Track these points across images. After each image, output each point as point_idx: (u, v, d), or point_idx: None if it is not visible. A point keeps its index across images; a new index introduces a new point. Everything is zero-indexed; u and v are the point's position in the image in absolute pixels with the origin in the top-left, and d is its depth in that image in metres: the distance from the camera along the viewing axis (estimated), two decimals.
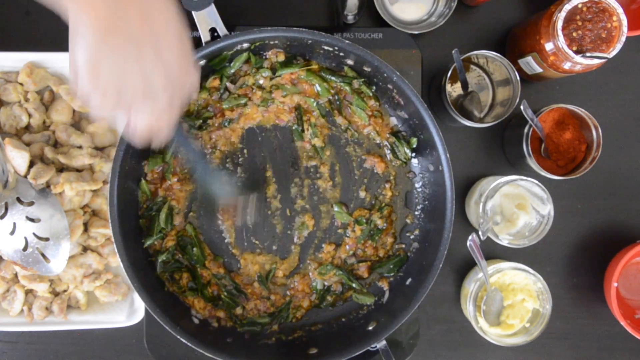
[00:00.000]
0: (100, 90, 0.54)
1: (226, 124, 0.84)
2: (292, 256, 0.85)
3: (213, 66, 0.80)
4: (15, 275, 0.85)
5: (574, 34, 0.78)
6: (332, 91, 0.84)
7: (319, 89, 0.83)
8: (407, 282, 0.82)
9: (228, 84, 0.83)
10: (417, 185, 0.86)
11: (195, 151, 0.79)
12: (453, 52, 0.81)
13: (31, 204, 0.81)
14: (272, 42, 0.79)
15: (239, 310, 0.84)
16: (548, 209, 0.84)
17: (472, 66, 0.91)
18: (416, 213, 0.86)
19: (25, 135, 0.84)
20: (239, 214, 0.83)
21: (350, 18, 0.86)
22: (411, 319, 0.83)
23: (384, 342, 0.77)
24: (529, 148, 0.84)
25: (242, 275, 0.84)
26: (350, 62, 0.80)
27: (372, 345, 0.77)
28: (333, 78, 0.83)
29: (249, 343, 0.81)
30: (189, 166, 0.83)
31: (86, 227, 0.86)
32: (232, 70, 0.82)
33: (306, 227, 0.85)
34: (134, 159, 0.79)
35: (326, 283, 0.85)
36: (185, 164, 0.83)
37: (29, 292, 0.87)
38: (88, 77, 0.53)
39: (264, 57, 0.82)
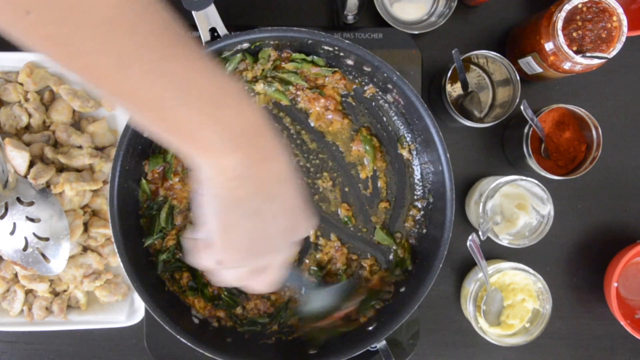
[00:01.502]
0: (233, 251, 0.53)
1: None
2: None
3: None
4: (15, 275, 0.85)
5: (574, 34, 0.78)
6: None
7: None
8: (407, 282, 0.82)
9: None
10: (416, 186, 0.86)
11: None
12: (453, 52, 0.81)
13: (31, 204, 0.81)
14: (278, 42, 0.79)
15: (239, 310, 0.84)
16: (548, 209, 0.84)
17: (472, 66, 0.92)
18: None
19: (25, 135, 0.84)
20: None
21: (350, 18, 0.86)
22: (411, 319, 0.83)
23: (384, 342, 0.77)
24: (529, 148, 0.84)
25: None
26: (350, 62, 0.80)
27: (372, 345, 0.77)
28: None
29: (249, 343, 0.81)
30: None
31: (86, 227, 0.86)
32: (230, 68, 0.81)
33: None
34: (134, 159, 0.79)
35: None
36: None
37: (29, 292, 0.87)
38: (223, 236, 0.52)
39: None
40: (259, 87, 0.82)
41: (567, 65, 0.79)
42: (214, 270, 0.55)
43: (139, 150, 0.80)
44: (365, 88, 0.84)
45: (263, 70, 0.82)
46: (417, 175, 0.85)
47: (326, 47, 0.78)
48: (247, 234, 0.52)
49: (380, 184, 0.85)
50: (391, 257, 0.85)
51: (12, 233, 0.81)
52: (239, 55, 0.80)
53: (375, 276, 0.84)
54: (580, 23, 0.77)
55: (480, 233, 0.82)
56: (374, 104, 0.85)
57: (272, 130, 0.52)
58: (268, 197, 0.52)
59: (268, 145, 0.51)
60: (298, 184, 0.56)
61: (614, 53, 0.76)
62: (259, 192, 0.51)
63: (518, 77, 0.84)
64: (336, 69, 0.82)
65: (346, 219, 0.85)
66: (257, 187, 0.50)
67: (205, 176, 0.50)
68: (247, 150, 0.49)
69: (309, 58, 0.80)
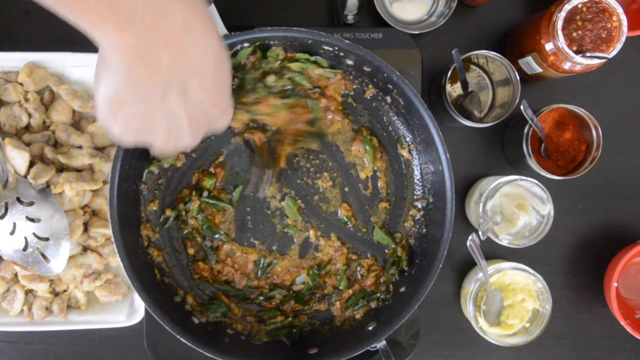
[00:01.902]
0: (119, 126, 0.50)
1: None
2: (291, 253, 0.85)
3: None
4: (15, 275, 0.85)
5: (574, 34, 0.78)
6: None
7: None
8: (407, 282, 0.82)
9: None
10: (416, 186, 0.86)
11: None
12: (453, 52, 0.81)
13: (31, 204, 0.81)
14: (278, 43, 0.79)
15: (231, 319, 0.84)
16: (548, 209, 0.85)
17: (472, 66, 0.92)
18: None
19: (25, 135, 0.84)
20: (253, 185, 0.82)
21: (350, 18, 0.86)
22: (411, 319, 0.83)
23: (384, 342, 0.77)
24: (529, 148, 0.84)
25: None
26: (350, 62, 0.80)
27: (372, 345, 0.77)
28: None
29: (249, 343, 0.81)
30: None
31: (86, 227, 0.86)
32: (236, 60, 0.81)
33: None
34: (134, 159, 0.79)
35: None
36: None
37: (29, 292, 0.87)
38: (108, 112, 0.49)
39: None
40: (271, 79, 0.81)
41: (567, 65, 0.79)
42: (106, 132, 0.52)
43: (139, 151, 0.80)
44: (366, 88, 0.83)
45: (271, 68, 0.81)
46: (417, 175, 0.85)
47: (326, 47, 0.78)
48: (135, 116, 0.49)
49: (380, 184, 0.85)
50: (386, 251, 0.85)
51: (12, 233, 0.81)
52: (249, 49, 0.79)
53: (371, 274, 0.84)
54: (580, 23, 0.77)
55: (480, 233, 0.82)
56: (374, 104, 0.85)
57: (200, 18, 0.47)
58: (174, 89, 0.48)
59: (180, 30, 0.46)
60: (225, 78, 0.52)
61: (614, 53, 0.76)
62: (165, 84, 0.47)
63: (518, 77, 0.84)
64: (339, 70, 0.82)
65: (346, 219, 0.85)
66: (162, 77, 0.47)
67: (104, 51, 0.46)
68: (142, 31, 0.44)
69: (312, 58, 0.80)
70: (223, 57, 0.52)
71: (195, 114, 0.51)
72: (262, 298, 0.84)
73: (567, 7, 0.75)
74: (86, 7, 0.42)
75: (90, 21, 0.43)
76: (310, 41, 0.77)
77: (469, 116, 0.88)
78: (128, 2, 0.42)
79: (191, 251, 0.84)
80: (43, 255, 0.81)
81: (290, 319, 0.83)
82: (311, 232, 0.85)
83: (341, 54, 0.79)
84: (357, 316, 0.83)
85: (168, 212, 0.82)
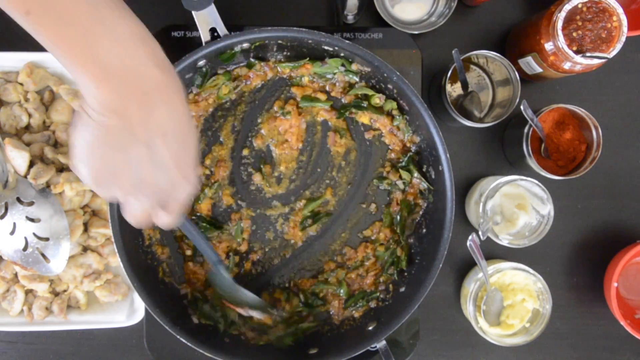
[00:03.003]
0: (89, 170, 0.53)
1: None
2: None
3: (223, 62, 0.80)
4: (15, 275, 0.85)
5: (574, 34, 0.78)
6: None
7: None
8: (407, 282, 0.82)
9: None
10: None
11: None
12: (453, 52, 0.81)
13: (31, 204, 0.81)
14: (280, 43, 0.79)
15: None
16: (548, 209, 0.84)
17: (472, 66, 0.92)
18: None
19: (25, 135, 0.84)
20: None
21: (350, 18, 0.86)
22: (411, 319, 0.83)
23: (384, 342, 0.77)
24: (529, 148, 0.84)
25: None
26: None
27: (372, 345, 0.77)
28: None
29: (249, 343, 0.81)
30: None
31: (86, 227, 0.86)
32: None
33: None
34: None
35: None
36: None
37: (29, 292, 0.87)
38: (81, 155, 0.52)
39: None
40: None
41: (567, 65, 0.79)
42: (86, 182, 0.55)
43: None
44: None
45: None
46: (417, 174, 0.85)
47: (326, 47, 0.78)
48: (106, 163, 0.52)
49: None
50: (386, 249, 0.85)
51: (12, 233, 0.81)
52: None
53: (370, 274, 0.84)
54: (580, 23, 0.77)
55: (480, 233, 0.82)
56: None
57: (169, 81, 0.52)
58: (142, 142, 0.51)
59: (151, 90, 0.51)
60: (191, 141, 0.55)
61: (614, 53, 0.76)
62: (131, 134, 0.50)
63: (518, 77, 0.84)
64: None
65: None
66: (130, 129, 0.50)
67: (83, 93, 0.50)
68: (118, 87, 0.49)
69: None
70: (190, 124, 0.55)
71: (158, 171, 0.53)
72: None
73: (567, 7, 0.75)
74: (74, 56, 0.48)
75: (75, 67, 0.49)
76: (310, 41, 0.77)
77: (469, 116, 0.88)
78: (112, 62, 0.49)
79: (188, 252, 0.84)
80: (43, 255, 0.81)
81: (292, 328, 0.83)
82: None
83: (341, 53, 0.79)
84: (356, 315, 0.83)
85: None
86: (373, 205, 0.85)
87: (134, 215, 0.57)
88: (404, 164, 0.83)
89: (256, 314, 0.80)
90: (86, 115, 0.51)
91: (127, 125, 0.50)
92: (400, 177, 0.84)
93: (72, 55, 0.48)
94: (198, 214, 0.83)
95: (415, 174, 0.82)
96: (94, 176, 0.53)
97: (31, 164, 0.82)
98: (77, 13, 0.48)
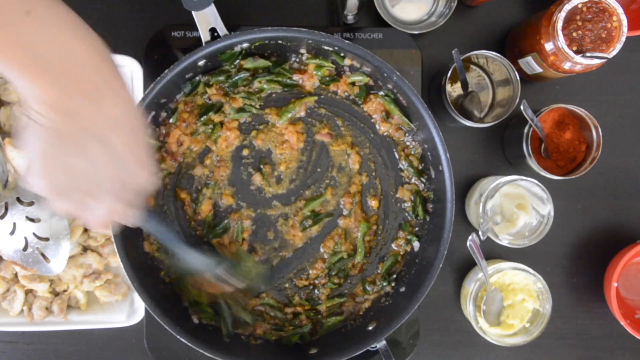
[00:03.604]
0: (49, 182, 0.51)
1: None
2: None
3: (222, 62, 0.80)
4: (15, 275, 0.85)
5: (574, 34, 0.78)
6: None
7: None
8: (407, 282, 0.82)
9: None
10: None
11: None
12: (453, 52, 0.81)
13: (31, 204, 0.81)
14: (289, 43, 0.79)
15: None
16: (548, 209, 0.84)
17: (472, 66, 0.92)
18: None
19: None
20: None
21: (350, 18, 0.86)
22: (411, 319, 0.83)
23: (384, 342, 0.77)
24: (529, 148, 0.84)
25: None
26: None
27: (372, 345, 0.77)
28: None
29: (248, 343, 0.81)
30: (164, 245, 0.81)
31: None
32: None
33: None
34: None
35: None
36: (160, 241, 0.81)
37: (29, 292, 0.87)
38: (40, 169, 0.50)
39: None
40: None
41: (567, 65, 0.79)
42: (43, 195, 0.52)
43: None
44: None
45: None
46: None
47: (326, 47, 0.78)
48: (65, 169, 0.50)
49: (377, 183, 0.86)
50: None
51: (12, 233, 0.81)
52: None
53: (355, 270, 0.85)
54: (580, 23, 0.77)
55: (480, 233, 0.82)
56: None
57: (111, 69, 0.50)
58: (94, 138, 0.49)
59: (94, 81, 0.48)
60: (141, 133, 0.54)
61: (614, 53, 0.76)
62: (82, 131, 0.48)
63: (518, 77, 0.84)
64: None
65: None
66: (78, 124, 0.48)
67: (25, 98, 0.47)
68: (59, 82, 0.46)
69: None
70: (135, 110, 0.54)
71: (117, 165, 0.52)
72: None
73: (567, 7, 0.75)
74: (5, 54, 0.44)
75: (10, 66, 0.45)
76: (310, 41, 0.77)
77: (469, 116, 0.88)
78: (48, 55, 0.45)
79: None
80: (43, 255, 0.81)
81: (304, 328, 0.83)
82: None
83: (341, 54, 0.79)
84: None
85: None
86: (375, 202, 0.85)
87: (98, 220, 0.55)
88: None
89: (232, 280, 0.78)
90: (33, 123, 0.48)
91: (78, 123, 0.48)
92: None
93: (3, 53, 0.44)
94: (200, 219, 0.84)
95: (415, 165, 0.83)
96: (55, 189, 0.51)
97: None
98: (5, 6, 0.44)
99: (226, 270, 0.78)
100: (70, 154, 0.49)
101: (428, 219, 0.84)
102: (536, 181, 0.83)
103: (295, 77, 0.84)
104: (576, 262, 0.95)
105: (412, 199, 0.85)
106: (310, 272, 0.85)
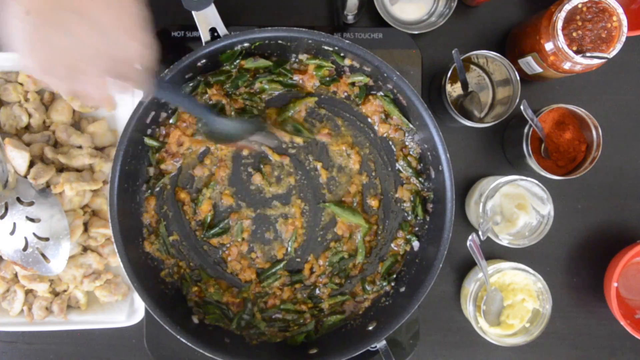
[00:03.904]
0: (38, 58, 0.51)
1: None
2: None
3: (222, 62, 0.80)
4: (15, 275, 0.85)
5: (574, 34, 0.78)
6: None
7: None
8: (407, 282, 0.82)
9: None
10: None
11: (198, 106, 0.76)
12: (453, 52, 0.81)
13: (31, 204, 0.81)
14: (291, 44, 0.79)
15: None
16: (548, 209, 0.84)
17: (472, 66, 0.92)
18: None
19: (25, 135, 0.84)
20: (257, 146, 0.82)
21: (350, 18, 0.86)
22: (411, 319, 0.83)
23: (384, 342, 0.77)
24: (529, 148, 0.84)
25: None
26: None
27: (372, 345, 0.77)
28: None
29: (248, 343, 0.81)
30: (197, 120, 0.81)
31: (86, 227, 0.86)
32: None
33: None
34: (134, 159, 0.79)
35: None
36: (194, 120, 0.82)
37: (29, 292, 0.87)
38: (26, 47, 0.50)
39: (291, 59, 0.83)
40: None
41: (567, 65, 0.79)
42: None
43: (139, 150, 0.80)
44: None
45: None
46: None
47: (326, 47, 0.78)
48: (51, 46, 0.50)
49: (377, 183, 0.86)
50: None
51: (12, 233, 0.81)
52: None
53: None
54: (580, 23, 0.77)
55: (480, 233, 0.82)
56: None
57: None
58: (75, 12, 0.49)
59: None
60: (130, 4, 0.53)
61: (614, 53, 0.76)
62: (58, 5, 0.48)
63: (518, 77, 0.84)
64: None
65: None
66: (57, 2, 0.48)
67: None
68: None
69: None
70: None
71: (101, 36, 0.51)
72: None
73: (567, 7, 0.75)
74: None
75: None
76: (310, 41, 0.77)
77: (469, 116, 0.88)
78: None
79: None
80: (43, 255, 0.81)
81: (309, 327, 0.83)
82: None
83: (341, 54, 0.79)
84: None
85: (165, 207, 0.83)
86: (375, 201, 0.85)
87: (95, 94, 0.55)
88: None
89: (264, 140, 0.81)
90: (14, 10, 0.48)
91: (65, 4, 0.48)
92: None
93: None
94: (199, 219, 0.84)
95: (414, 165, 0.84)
96: (42, 67, 0.51)
97: (31, 164, 0.82)
98: None
99: (253, 129, 0.79)
100: (50, 30, 0.49)
101: (428, 219, 0.84)
102: (536, 181, 0.83)
103: (296, 77, 0.84)
104: (576, 262, 0.95)
105: (412, 199, 0.85)
106: (312, 270, 0.85)
